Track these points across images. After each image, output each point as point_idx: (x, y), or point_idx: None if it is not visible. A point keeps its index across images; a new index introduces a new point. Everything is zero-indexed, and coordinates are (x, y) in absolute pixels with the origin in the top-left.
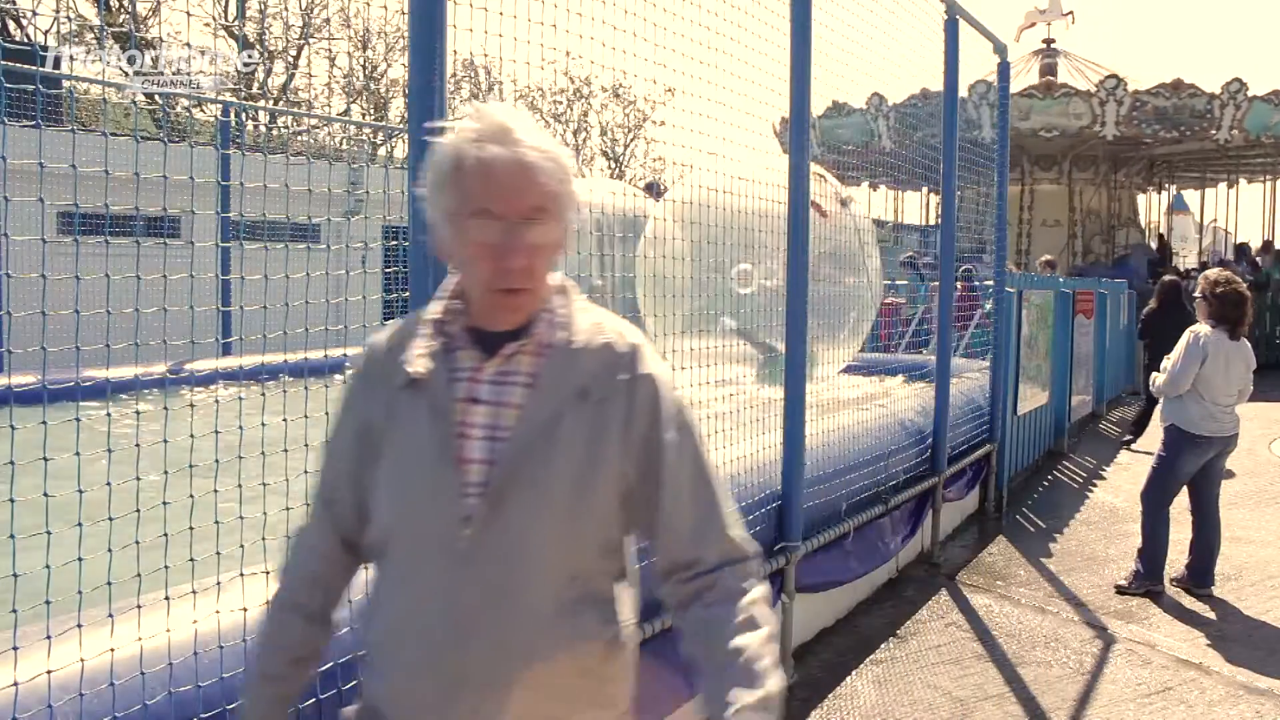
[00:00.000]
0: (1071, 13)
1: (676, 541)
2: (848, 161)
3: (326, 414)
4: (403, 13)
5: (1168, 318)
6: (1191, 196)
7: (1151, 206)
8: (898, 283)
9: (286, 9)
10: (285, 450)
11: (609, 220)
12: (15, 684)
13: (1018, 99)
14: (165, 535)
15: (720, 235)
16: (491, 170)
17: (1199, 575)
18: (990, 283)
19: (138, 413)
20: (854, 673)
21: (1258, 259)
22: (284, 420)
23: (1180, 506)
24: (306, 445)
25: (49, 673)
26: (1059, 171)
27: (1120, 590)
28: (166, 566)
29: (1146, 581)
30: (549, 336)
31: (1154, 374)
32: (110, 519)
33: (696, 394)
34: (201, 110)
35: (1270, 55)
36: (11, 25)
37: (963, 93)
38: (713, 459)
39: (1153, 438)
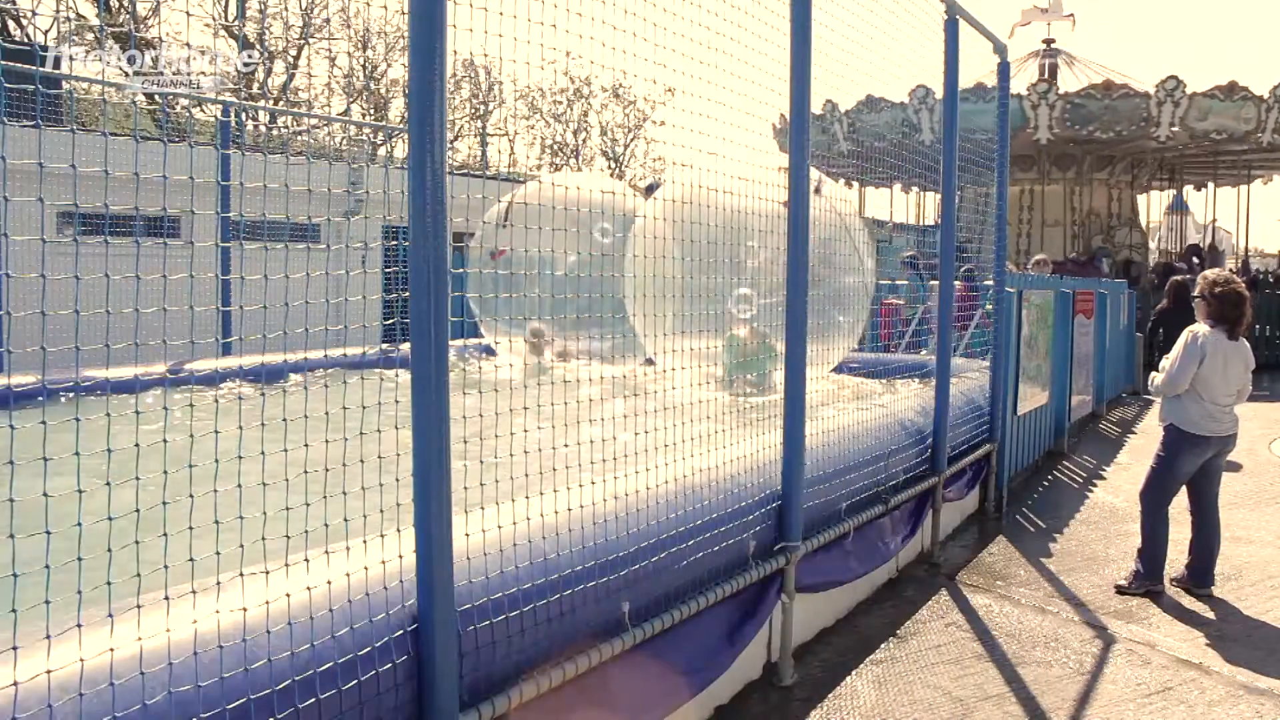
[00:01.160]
0: (1073, 15)
1: None
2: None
3: (327, 413)
4: (403, 13)
5: (1178, 315)
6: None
7: (1152, 206)
8: (898, 282)
9: (286, 9)
10: (285, 450)
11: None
12: (15, 684)
13: (1199, 99)
14: (165, 535)
15: (719, 235)
16: None
17: (1199, 575)
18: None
19: (137, 412)
20: (854, 673)
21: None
22: (284, 420)
23: (1180, 506)
24: (306, 445)
25: (49, 673)
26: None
27: (1120, 590)
28: (166, 566)
29: (1146, 581)
30: None
31: (1152, 374)
32: (110, 519)
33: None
34: (201, 110)
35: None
36: (11, 25)
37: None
38: None
39: (1153, 437)
